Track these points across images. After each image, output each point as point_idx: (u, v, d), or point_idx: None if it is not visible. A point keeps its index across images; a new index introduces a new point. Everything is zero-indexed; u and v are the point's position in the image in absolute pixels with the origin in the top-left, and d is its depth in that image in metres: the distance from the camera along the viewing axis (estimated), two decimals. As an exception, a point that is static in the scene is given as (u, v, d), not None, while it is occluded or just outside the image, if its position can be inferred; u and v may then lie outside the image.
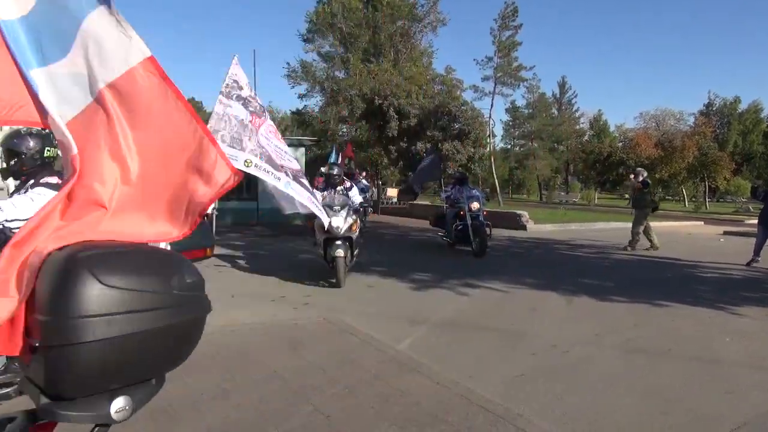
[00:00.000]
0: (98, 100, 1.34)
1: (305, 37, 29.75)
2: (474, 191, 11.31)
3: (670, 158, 37.63)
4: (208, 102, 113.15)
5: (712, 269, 9.79)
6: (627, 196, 48.35)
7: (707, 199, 40.39)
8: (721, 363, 4.61)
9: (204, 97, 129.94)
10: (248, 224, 15.88)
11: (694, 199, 42.64)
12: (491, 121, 44.42)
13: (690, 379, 4.21)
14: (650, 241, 12.19)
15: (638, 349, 4.96)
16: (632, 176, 12.97)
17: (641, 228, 12.21)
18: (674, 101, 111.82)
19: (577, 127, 62.51)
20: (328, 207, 7.33)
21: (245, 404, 3.47)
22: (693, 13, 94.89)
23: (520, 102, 61.10)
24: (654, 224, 20.57)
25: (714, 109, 52.34)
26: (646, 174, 12.74)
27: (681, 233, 17.47)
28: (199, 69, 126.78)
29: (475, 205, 10.56)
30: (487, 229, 10.63)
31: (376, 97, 23.88)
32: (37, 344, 1.10)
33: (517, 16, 45.11)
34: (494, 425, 3.25)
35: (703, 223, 22.14)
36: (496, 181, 44.48)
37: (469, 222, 10.46)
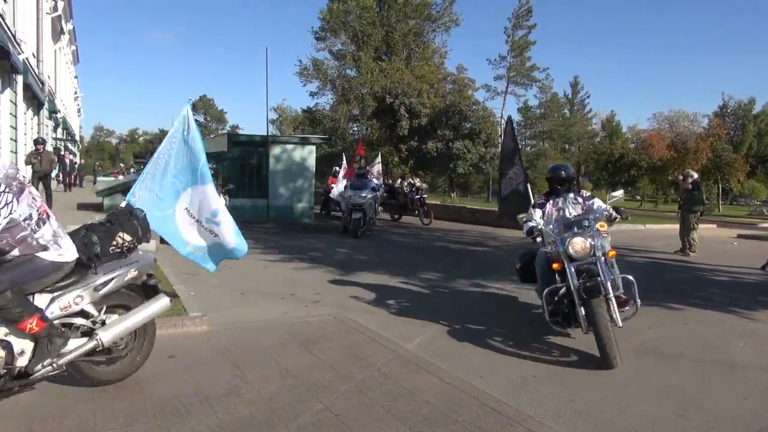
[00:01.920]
0: None
1: (318, 35, 29.76)
2: (584, 204, 5.44)
3: (683, 160, 37.23)
4: (219, 100, 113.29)
5: (725, 272, 9.68)
6: (635, 196, 47.97)
7: (720, 202, 39.92)
8: (736, 367, 4.54)
9: (215, 95, 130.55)
10: (258, 222, 15.92)
11: (707, 202, 42.22)
12: (502, 121, 44.27)
13: (705, 383, 4.15)
14: (684, 244, 11.73)
15: (651, 351, 4.91)
16: (680, 178, 12.29)
17: (695, 231, 11.65)
18: (688, 103, 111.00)
19: (590, 128, 62.05)
20: None
21: (256, 401, 3.47)
22: (708, 14, 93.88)
23: (533, 102, 60.81)
24: (666, 226, 20.47)
25: (729, 110, 51.68)
26: (696, 176, 12.19)
27: (694, 236, 17.27)
28: (212, 67, 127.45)
29: (581, 246, 4.71)
30: (624, 294, 5.05)
31: (387, 96, 23.88)
32: None
33: (531, 16, 44.93)
34: (505, 426, 3.22)
35: (716, 225, 21.92)
36: (507, 181, 44.26)
37: (574, 284, 4.65)
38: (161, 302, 3.69)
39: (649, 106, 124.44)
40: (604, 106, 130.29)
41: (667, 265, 10.38)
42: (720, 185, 40.21)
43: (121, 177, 31.29)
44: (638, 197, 51.28)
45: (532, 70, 46.78)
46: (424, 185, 20.50)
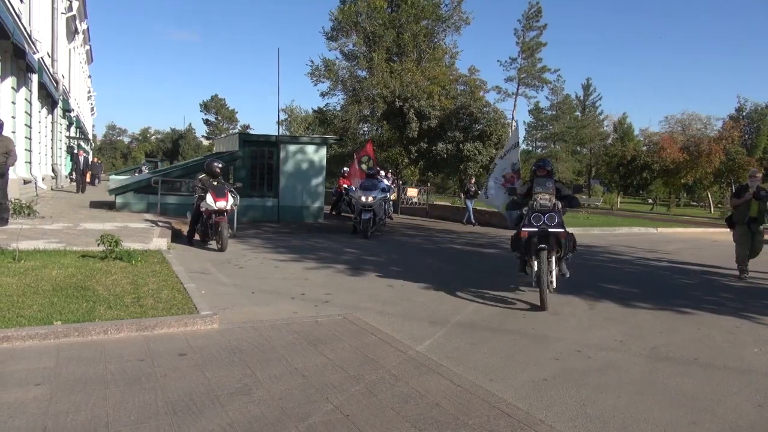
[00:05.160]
0: None
1: (329, 35, 29.81)
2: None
3: (695, 163, 36.94)
4: (231, 100, 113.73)
5: (738, 277, 9.56)
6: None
7: (734, 206, 39.50)
8: (751, 373, 4.49)
9: (227, 95, 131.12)
10: (268, 221, 15.97)
11: (720, 206, 41.81)
12: (514, 123, 44.08)
13: (719, 389, 4.10)
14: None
15: (664, 356, 4.86)
16: (751, 179, 9.56)
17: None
18: (703, 106, 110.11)
19: (601, 129, 61.69)
20: None
21: (266, 400, 3.47)
22: (724, 16, 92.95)
23: (544, 104, 60.54)
24: (678, 230, 20.31)
25: (744, 113, 51.14)
26: (760, 175, 9.91)
27: (707, 240, 17.12)
28: (223, 67, 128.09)
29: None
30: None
31: (396, 99, 23.90)
32: None
33: (541, 17, 44.70)
34: (516, 430, 3.20)
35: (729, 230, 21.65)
36: (517, 183, 44.07)
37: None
38: None
39: (662, 109, 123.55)
40: (616, 108, 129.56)
41: (678, 270, 10.29)
42: (733, 188, 39.82)
43: (145, 170, 31.45)
44: (650, 200, 50.93)
45: (543, 71, 46.56)
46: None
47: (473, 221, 18.91)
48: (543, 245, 6.37)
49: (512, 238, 6.97)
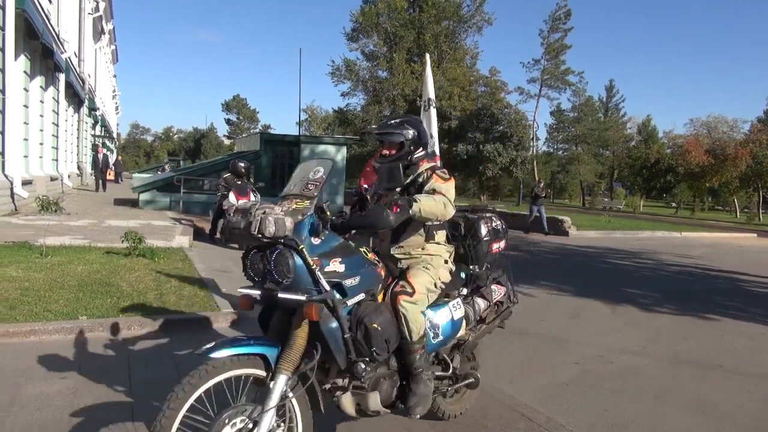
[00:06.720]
0: None
1: (350, 36, 29.94)
2: None
3: (721, 166, 36.18)
4: (252, 100, 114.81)
5: (764, 284, 9.37)
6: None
7: (761, 211, 38.58)
8: (777, 382, 4.40)
9: (249, 94, 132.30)
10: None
11: (746, 210, 40.93)
12: (535, 124, 43.74)
13: (743, 396, 4.03)
14: None
15: (687, 362, 4.78)
16: None
17: None
18: (731, 109, 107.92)
19: (626, 132, 60.76)
20: None
21: (285, 398, 3.49)
22: (753, 17, 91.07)
23: (566, 105, 59.82)
24: (704, 235, 19.93)
25: (772, 116, 49.97)
26: None
27: (732, 245, 16.80)
28: (245, 67, 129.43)
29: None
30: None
31: (417, 99, 23.91)
32: None
33: (569, 19, 44.04)
34: (535, 434, 3.17)
35: (756, 235, 21.22)
36: (538, 184, 43.69)
37: None
38: None
39: (687, 111, 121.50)
40: (640, 110, 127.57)
41: (701, 275, 10.10)
42: (760, 193, 38.92)
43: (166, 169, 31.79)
44: (673, 204, 50.12)
45: (567, 73, 46.00)
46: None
47: (546, 230, 16.33)
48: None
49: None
